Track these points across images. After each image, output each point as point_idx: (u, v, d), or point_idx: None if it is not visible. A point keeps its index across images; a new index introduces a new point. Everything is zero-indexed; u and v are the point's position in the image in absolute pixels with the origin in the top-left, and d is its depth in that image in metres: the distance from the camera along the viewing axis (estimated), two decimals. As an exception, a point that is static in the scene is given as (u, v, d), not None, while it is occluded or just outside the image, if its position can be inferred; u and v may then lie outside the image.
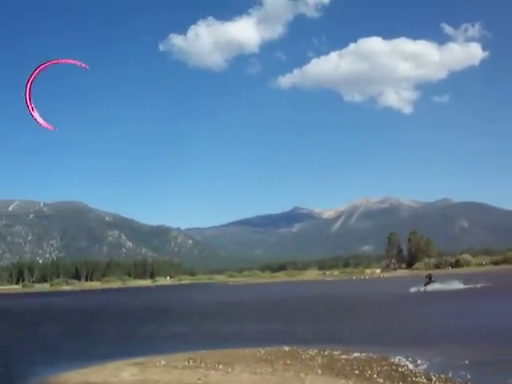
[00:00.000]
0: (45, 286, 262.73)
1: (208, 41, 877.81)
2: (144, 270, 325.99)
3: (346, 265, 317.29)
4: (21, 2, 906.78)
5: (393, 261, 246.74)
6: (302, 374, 20.95)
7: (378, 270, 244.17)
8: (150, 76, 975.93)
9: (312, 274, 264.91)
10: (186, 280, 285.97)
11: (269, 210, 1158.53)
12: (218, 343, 32.91)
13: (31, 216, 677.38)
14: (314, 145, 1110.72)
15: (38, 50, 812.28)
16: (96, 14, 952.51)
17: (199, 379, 22.04)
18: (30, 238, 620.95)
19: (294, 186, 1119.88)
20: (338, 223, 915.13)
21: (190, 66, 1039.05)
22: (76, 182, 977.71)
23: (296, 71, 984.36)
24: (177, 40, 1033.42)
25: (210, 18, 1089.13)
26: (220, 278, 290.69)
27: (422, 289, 75.94)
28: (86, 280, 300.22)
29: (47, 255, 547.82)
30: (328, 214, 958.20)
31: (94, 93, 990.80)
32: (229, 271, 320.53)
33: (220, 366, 24.19)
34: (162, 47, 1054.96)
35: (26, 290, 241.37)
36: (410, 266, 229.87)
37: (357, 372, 20.91)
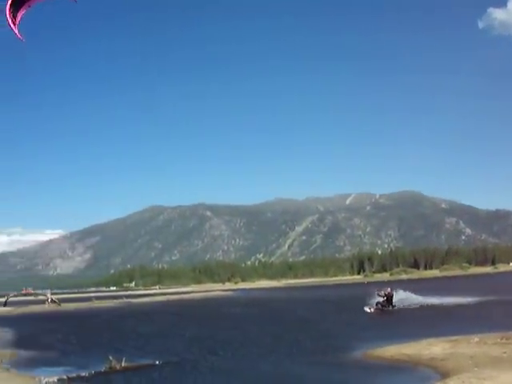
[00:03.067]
0: (384, 276, 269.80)
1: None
2: (484, 256, 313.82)
3: None
4: None
5: None
6: None
7: None
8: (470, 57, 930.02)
9: None
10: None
11: None
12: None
13: (368, 208, 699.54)
14: None
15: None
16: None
17: (504, 352, 22.18)
18: (368, 230, 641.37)
19: None
20: None
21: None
22: (410, 171, 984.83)
23: None
24: (497, 14, 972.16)
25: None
26: None
27: (372, 309, 56.02)
28: (425, 268, 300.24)
29: (385, 245, 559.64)
30: None
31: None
32: None
33: (531, 343, 23.84)
34: (481, 24, 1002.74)
35: (367, 279, 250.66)
36: None
37: None
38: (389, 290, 57.54)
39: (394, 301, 56.57)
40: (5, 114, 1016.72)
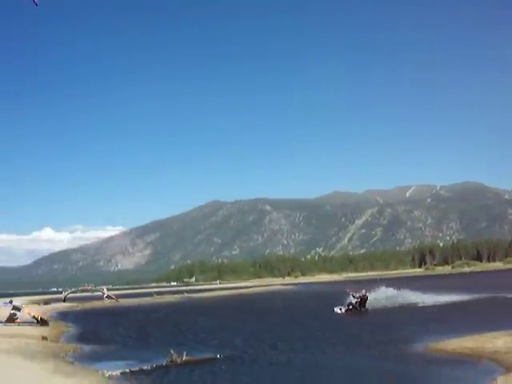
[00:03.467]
0: (446, 269, 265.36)
1: None
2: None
3: None
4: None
5: None
6: None
7: None
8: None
9: None
10: None
11: None
12: None
13: (428, 200, 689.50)
14: None
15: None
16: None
17: None
18: (429, 222, 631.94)
19: None
20: None
21: None
22: (472, 162, 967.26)
23: None
24: None
25: None
26: None
27: (343, 310, 53.74)
28: (488, 261, 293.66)
29: (447, 238, 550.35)
30: None
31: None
32: None
33: None
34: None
35: (428, 272, 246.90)
36: None
37: None
38: (363, 292, 55.56)
39: (367, 303, 54.62)
40: (55, 106, 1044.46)
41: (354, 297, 54.42)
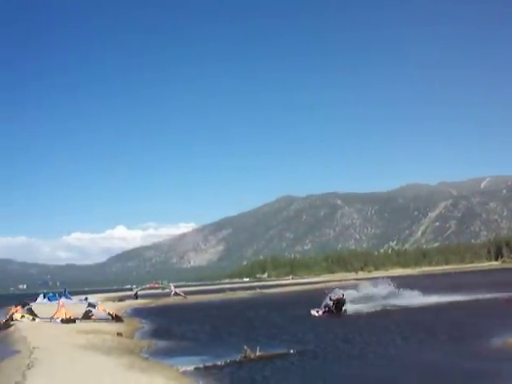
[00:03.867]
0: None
1: None
2: None
3: None
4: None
5: None
6: None
7: None
8: None
9: None
10: None
11: None
12: None
13: (504, 191, 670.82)
14: None
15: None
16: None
17: None
18: (505, 214, 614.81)
19: None
20: None
21: None
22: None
23: None
24: None
25: None
26: None
27: (320, 312, 51.17)
28: None
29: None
30: None
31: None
32: None
33: None
34: None
35: (505, 265, 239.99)
36: None
37: None
38: (341, 295, 52.86)
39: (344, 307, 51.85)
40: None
41: (330, 299, 52.30)
